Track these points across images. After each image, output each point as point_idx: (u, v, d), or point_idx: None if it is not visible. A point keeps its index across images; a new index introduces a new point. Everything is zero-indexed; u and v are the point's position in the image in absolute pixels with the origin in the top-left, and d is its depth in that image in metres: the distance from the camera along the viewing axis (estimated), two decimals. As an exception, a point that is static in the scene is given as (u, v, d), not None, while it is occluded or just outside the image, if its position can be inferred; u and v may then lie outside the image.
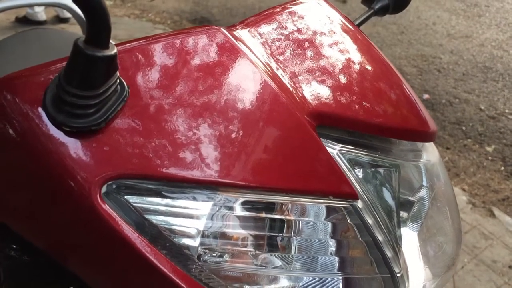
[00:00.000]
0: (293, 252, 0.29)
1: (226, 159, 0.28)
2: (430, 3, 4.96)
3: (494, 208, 2.21)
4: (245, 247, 0.28)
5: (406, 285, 0.34)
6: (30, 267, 0.30)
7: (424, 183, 0.45)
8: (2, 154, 0.28)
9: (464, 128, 2.96)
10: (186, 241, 0.27)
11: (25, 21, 3.59)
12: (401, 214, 0.42)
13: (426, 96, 3.31)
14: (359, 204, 0.31)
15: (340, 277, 0.30)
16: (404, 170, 0.42)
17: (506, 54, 3.84)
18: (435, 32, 4.26)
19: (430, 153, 0.45)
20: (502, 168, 2.59)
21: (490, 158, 2.68)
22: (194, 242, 0.28)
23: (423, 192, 0.44)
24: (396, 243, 0.34)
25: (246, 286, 0.28)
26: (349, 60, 0.39)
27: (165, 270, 0.26)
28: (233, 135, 0.28)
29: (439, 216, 0.44)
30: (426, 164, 0.43)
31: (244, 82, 0.32)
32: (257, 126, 0.30)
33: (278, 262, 0.28)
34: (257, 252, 0.28)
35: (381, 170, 0.35)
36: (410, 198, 0.43)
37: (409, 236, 0.43)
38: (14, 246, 0.30)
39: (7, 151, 0.28)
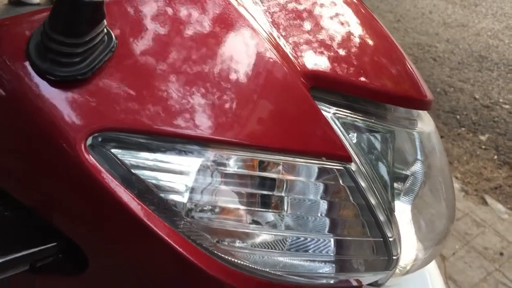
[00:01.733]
0: (284, 211, 0.29)
1: (218, 116, 0.27)
2: (427, -8, 4.94)
3: (486, 196, 2.22)
4: (235, 204, 0.28)
5: (398, 251, 0.33)
6: (15, 225, 0.29)
7: (419, 157, 0.44)
8: None
9: (458, 117, 2.96)
10: (174, 197, 0.27)
11: (19, 3, 3.55)
12: (395, 187, 0.42)
13: (421, 84, 3.31)
14: (353, 166, 0.31)
15: (332, 239, 0.30)
16: (398, 141, 0.41)
17: (502, 43, 3.84)
18: (431, 20, 4.25)
19: (425, 122, 0.44)
20: (495, 157, 2.60)
21: (483, 147, 2.69)
22: (182, 198, 0.27)
23: (418, 166, 0.44)
24: (389, 208, 0.33)
25: (237, 242, 0.28)
26: (349, 29, 0.38)
27: (151, 225, 0.26)
28: (227, 93, 0.28)
29: (433, 190, 0.44)
30: (421, 133, 0.42)
31: (240, 43, 0.31)
32: (250, 85, 0.29)
33: (270, 219, 0.28)
34: (248, 208, 0.28)
35: (376, 135, 0.35)
36: (404, 172, 0.43)
37: (402, 209, 0.43)
38: None
39: None
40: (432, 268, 0.49)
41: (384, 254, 0.33)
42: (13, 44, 0.27)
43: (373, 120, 0.35)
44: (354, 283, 0.33)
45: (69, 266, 0.30)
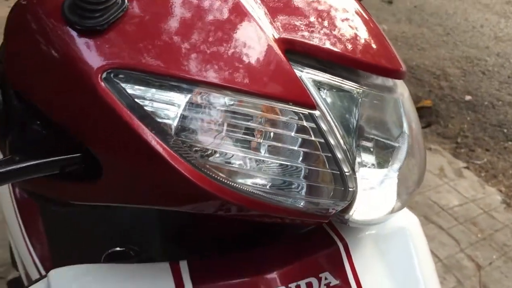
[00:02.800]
0: (258, 139, 0.36)
1: (205, 62, 0.35)
2: (479, 6, 4.86)
3: (528, 209, 2.18)
4: (218, 132, 0.36)
5: (354, 185, 0.40)
6: (50, 139, 0.38)
7: (405, 129, 0.50)
8: (34, 53, 0.37)
9: (505, 130, 2.91)
10: (166, 121, 0.35)
11: None
12: (383, 157, 0.48)
13: (468, 97, 3.27)
14: (316, 113, 0.37)
15: (301, 166, 0.37)
16: (384, 107, 0.47)
17: (556, 58, 3.73)
18: (482, 34, 4.18)
19: (402, 89, 0.50)
20: (543, 172, 2.54)
21: (530, 161, 2.63)
22: (173, 122, 0.35)
23: (404, 139, 0.49)
24: (349, 150, 0.39)
25: (218, 158, 0.35)
26: (330, 5, 0.44)
27: (148, 139, 0.34)
28: (212, 44, 0.36)
29: (412, 156, 0.49)
30: (402, 98, 0.47)
31: (226, 10, 0.38)
32: (231, 40, 0.37)
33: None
34: (231, 135, 0.36)
35: (345, 94, 0.41)
36: (392, 143, 0.49)
37: (390, 175, 0.49)
38: (27, 114, 0.38)
39: (37, 51, 0.36)
40: (414, 228, 0.54)
41: (341, 185, 0.39)
42: (52, 4, 0.36)
43: (344, 81, 0.41)
44: (321, 212, 0.40)
45: (88, 174, 0.39)
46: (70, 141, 0.37)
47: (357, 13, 0.46)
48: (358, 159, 0.41)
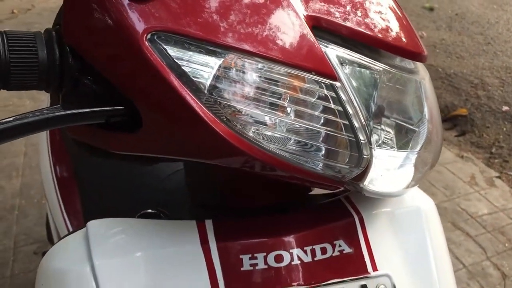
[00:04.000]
0: (283, 103, 0.40)
1: (241, 31, 0.39)
2: (524, 16, 4.75)
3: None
4: (247, 93, 0.39)
5: (368, 152, 0.42)
6: (99, 92, 0.43)
7: (425, 112, 0.52)
8: (89, 16, 0.41)
9: (542, 142, 2.85)
10: (201, 80, 0.39)
11: None
12: (403, 139, 0.51)
13: (505, 108, 3.21)
14: (337, 84, 0.41)
15: (321, 130, 0.41)
16: (407, 89, 0.50)
17: None
18: (525, 45, 4.09)
19: (424, 72, 0.52)
20: None
21: None
22: (206, 81, 0.39)
23: (424, 124, 0.52)
24: (366, 119, 0.42)
25: (245, 117, 0.39)
26: None
27: (183, 95, 0.38)
28: (247, 14, 0.40)
29: (431, 141, 0.52)
30: (423, 80, 0.50)
31: None
32: (265, 15, 0.41)
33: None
34: (258, 97, 0.40)
35: (366, 71, 0.44)
36: (412, 127, 0.51)
37: (409, 157, 0.51)
38: (80, 70, 0.43)
39: (92, 15, 0.41)
40: (429, 210, 0.56)
41: (356, 151, 0.42)
42: None
43: (365, 58, 0.44)
44: (337, 176, 0.43)
45: (130, 125, 0.43)
46: (115, 95, 0.42)
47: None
48: (376, 137, 0.44)
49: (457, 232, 2.05)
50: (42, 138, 1.21)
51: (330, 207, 0.52)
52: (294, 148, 0.40)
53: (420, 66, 0.50)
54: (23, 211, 2.00)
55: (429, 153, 0.51)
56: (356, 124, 0.41)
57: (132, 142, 0.44)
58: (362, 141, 0.41)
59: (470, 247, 1.97)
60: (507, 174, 2.58)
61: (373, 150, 0.43)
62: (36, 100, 2.85)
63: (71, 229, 0.95)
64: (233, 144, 0.39)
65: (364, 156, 0.42)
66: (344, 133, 0.41)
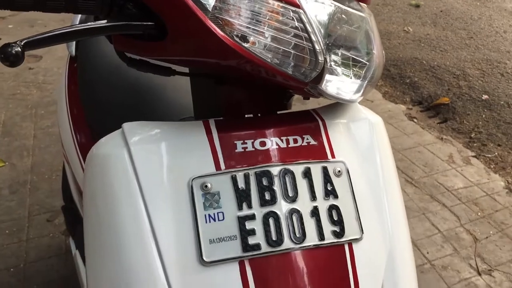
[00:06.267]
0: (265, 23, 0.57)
1: None
2: (505, 13, 4.96)
3: (530, 195, 2.32)
4: (240, 16, 0.56)
5: (322, 59, 0.59)
6: (136, 13, 0.58)
7: (373, 49, 0.69)
8: None
9: (518, 128, 3.03)
10: (208, 2, 0.54)
11: None
12: (355, 70, 0.68)
13: (485, 96, 3.40)
14: (300, 10, 0.57)
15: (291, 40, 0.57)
16: (353, 29, 0.66)
17: None
18: (505, 39, 4.29)
19: (370, 13, 0.68)
20: (550, 167, 2.66)
21: (539, 156, 2.75)
22: (211, 3, 0.54)
23: (373, 57, 0.69)
24: (322, 38, 0.59)
25: (241, 30, 0.56)
26: None
27: (195, 11, 0.51)
28: None
29: (378, 68, 0.69)
30: (369, 18, 0.66)
31: None
32: None
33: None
34: (249, 20, 0.56)
35: (324, 5, 0.60)
36: (363, 60, 0.68)
37: (363, 86, 0.69)
38: None
39: None
40: (378, 123, 0.73)
41: (314, 57, 0.59)
42: None
43: None
44: (301, 76, 0.59)
45: (159, 37, 0.58)
46: (148, 15, 0.58)
47: None
48: (331, 57, 0.61)
49: (434, 203, 2.23)
50: (61, 96, 1.38)
51: (303, 114, 0.69)
52: (271, 55, 0.58)
53: (365, 7, 0.67)
54: (35, 185, 2.16)
55: (376, 76, 0.69)
56: (313, 38, 0.57)
57: (161, 48, 0.59)
58: (317, 50, 0.58)
59: (446, 216, 2.15)
60: (484, 156, 2.76)
61: (326, 57, 0.60)
62: (43, 90, 3.02)
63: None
64: (231, 48, 0.55)
65: (319, 61, 0.59)
66: (304, 43, 0.57)
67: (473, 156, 2.66)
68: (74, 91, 1.32)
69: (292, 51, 0.58)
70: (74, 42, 1.38)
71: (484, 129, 3.05)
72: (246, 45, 0.57)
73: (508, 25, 4.63)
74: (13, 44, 0.46)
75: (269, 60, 0.58)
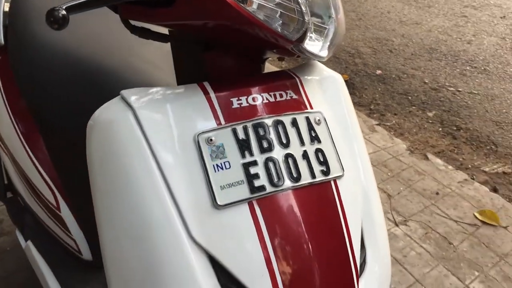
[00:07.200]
0: None
1: None
2: (386, -5, 5.41)
3: (428, 154, 2.61)
4: None
5: (308, 19, 0.67)
6: None
7: (333, 14, 0.78)
8: None
9: (410, 98, 3.36)
10: None
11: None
12: (315, 37, 0.77)
13: (378, 71, 3.71)
14: None
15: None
16: None
17: (450, 38, 4.30)
18: (389, 19, 4.70)
19: None
20: (440, 129, 2.99)
21: (430, 121, 3.08)
22: None
23: (333, 22, 0.78)
24: (306, 3, 0.68)
25: None
26: None
27: None
28: None
29: (339, 32, 0.79)
30: None
31: None
32: None
33: None
34: None
35: None
36: (324, 25, 0.78)
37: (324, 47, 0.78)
38: None
39: None
40: (340, 79, 0.84)
41: (301, 16, 0.67)
42: None
43: None
44: (288, 35, 0.67)
45: (167, 3, 0.64)
46: None
47: None
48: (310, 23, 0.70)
49: (350, 168, 2.42)
50: None
51: (282, 73, 0.77)
52: (264, 15, 0.64)
53: None
54: None
55: (338, 36, 0.78)
56: (300, 0, 0.66)
57: (168, 14, 0.63)
58: (304, 11, 0.66)
59: (361, 179, 2.35)
60: (384, 124, 3.04)
61: (309, 22, 0.68)
62: None
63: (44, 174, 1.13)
64: (234, 9, 0.59)
65: (305, 20, 0.67)
66: (292, 4, 0.65)
67: (377, 125, 2.92)
68: (8, 81, 1.27)
69: (283, 11, 0.65)
70: (1, 30, 1.31)
71: (381, 101, 3.34)
72: (249, 8, 0.63)
73: (390, 6, 5.06)
74: (58, 8, 0.48)
75: (262, 19, 0.64)
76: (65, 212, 1.16)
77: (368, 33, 4.35)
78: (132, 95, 0.67)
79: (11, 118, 1.22)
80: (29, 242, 1.26)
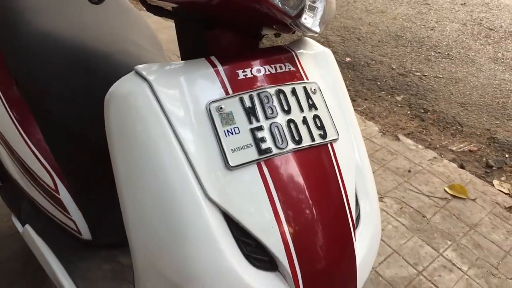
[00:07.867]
0: None
1: None
2: (352, -15, 5.53)
3: (399, 135, 2.73)
4: None
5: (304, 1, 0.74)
6: None
7: None
8: None
9: (378, 83, 3.47)
10: None
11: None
12: (309, 14, 0.84)
13: (348, 59, 3.82)
14: None
15: None
16: None
17: (414, 25, 4.46)
18: (356, 8, 4.82)
19: None
20: (409, 112, 3.12)
21: (399, 105, 3.20)
22: None
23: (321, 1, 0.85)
24: None
25: None
26: None
27: None
28: None
29: (329, 10, 0.86)
30: None
31: None
32: None
33: None
34: None
35: None
36: (315, 5, 0.85)
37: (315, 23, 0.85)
38: None
39: None
40: (330, 54, 0.91)
41: None
42: None
43: None
44: (290, 10, 0.74)
45: None
46: None
47: None
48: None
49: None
50: None
51: (279, 48, 0.84)
52: None
53: None
54: None
55: (328, 13, 0.86)
56: None
57: None
58: None
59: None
60: (356, 109, 3.15)
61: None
62: None
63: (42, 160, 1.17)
64: None
65: None
66: None
67: (349, 109, 3.02)
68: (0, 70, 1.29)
69: None
70: None
71: (351, 87, 3.45)
72: None
73: (356, -5, 5.19)
74: None
75: None
76: (64, 194, 1.20)
77: (336, 22, 4.45)
78: (146, 70, 0.73)
79: (5, 106, 1.24)
80: (27, 226, 1.29)
